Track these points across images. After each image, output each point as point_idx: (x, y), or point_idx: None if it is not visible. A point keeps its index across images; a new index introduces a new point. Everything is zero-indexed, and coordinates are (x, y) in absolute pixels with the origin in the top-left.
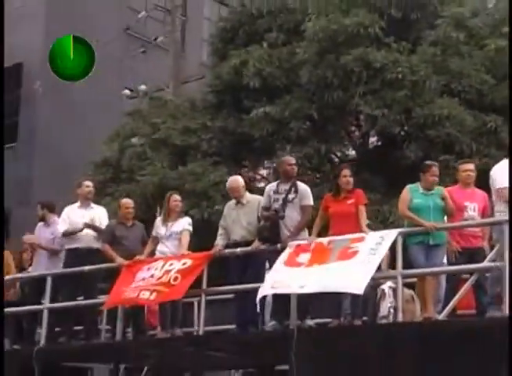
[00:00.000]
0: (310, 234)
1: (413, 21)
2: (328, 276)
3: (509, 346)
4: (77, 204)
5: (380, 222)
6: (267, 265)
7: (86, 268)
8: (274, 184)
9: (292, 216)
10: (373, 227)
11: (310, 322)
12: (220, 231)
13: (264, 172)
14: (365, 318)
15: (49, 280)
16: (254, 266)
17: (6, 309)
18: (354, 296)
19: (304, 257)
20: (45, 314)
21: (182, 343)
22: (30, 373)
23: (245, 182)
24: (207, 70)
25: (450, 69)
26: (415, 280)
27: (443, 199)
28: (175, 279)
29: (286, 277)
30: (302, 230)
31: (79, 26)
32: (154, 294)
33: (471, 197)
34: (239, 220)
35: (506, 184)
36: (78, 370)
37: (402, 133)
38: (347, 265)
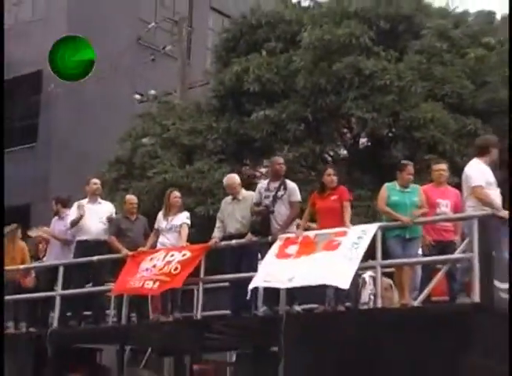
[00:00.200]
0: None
1: (400, 32)
2: (315, 269)
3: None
4: (86, 199)
5: (370, 216)
6: (259, 255)
7: (95, 258)
8: (265, 182)
9: (281, 211)
10: (364, 222)
11: (298, 308)
12: (217, 224)
13: (263, 170)
14: (348, 304)
15: (61, 269)
16: (247, 257)
17: (23, 295)
18: None
19: (293, 249)
20: (58, 300)
21: (182, 326)
22: (43, 353)
23: (246, 179)
24: (211, 77)
25: (434, 76)
26: (393, 269)
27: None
28: (176, 269)
29: (277, 270)
30: (291, 224)
31: (96, 36)
32: (157, 283)
33: (444, 195)
34: (234, 214)
35: (482, 183)
36: (88, 351)
37: (390, 135)
38: (332, 256)
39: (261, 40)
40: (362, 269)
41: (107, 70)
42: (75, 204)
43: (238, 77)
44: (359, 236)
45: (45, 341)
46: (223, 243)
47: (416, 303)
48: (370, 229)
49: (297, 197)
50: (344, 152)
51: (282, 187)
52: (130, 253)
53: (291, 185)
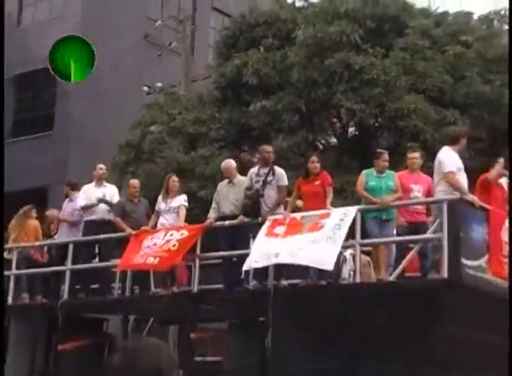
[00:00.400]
0: None
1: (386, 31)
2: (301, 251)
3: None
4: (93, 183)
5: (356, 200)
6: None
7: (101, 236)
8: (256, 168)
9: (270, 195)
10: (352, 205)
11: (284, 282)
12: (213, 205)
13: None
14: (329, 279)
15: (71, 246)
16: (240, 236)
17: (37, 270)
18: None
19: (280, 229)
20: (68, 274)
21: (181, 299)
22: (55, 321)
23: (244, 164)
24: (213, 71)
25: (417, 70)
26: (371, 248)
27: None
28: (174, 246)
29: (266, 248)
30: (279, 206)
31: (107, 34)
32: (158, 259)
33: (417, 181)
34: (228, 197)
35: (453, 169)
36: (95, 320)
37: (377, 124)
38: (316, 237)
39: (258, 37)
40: (343, 247)
41: (118, 65)
42: (83, 188)
43: (238, 70)
44: (341, 218)
45: (57, 311)
46: (218, 223)
47: (391, 278)
48: (351, 212)
49: (285, 181)
50: (334, 140)
51: (271, 173)
52: (133, 232)
53: (279, 171)
